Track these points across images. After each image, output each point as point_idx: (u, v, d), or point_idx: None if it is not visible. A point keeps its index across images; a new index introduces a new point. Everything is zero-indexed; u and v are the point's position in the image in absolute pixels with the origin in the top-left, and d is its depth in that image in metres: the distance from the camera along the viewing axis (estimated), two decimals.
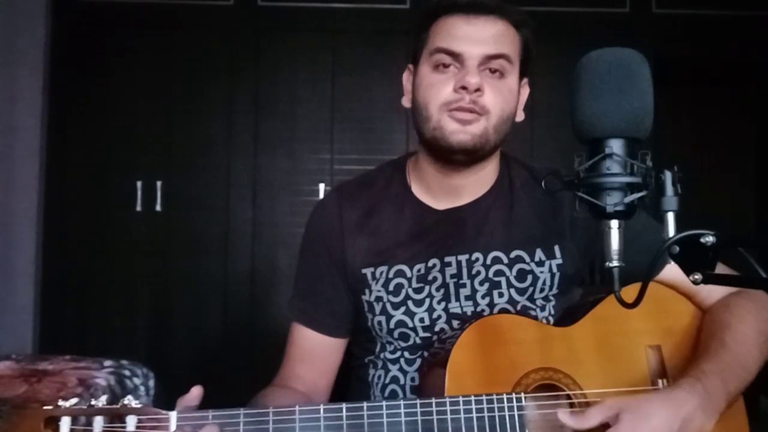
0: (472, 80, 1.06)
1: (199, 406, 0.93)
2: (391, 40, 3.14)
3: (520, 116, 1.18)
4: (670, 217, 0.68)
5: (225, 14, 3.28)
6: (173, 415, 0.88)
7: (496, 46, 1.09)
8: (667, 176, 0.68)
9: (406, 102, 1.19)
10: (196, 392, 0.93)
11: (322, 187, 3.22)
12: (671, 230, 0.67)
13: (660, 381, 1.06)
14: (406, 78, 1.20)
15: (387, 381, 1.17)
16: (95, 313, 3.16)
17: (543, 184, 1.17)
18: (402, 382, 1.16)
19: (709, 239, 0.66)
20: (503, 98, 1.10)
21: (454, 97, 1.08)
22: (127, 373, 2.01)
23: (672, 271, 1.04)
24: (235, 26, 3.28)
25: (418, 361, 1.16)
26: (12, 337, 3.03)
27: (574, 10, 3.32)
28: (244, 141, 3.25)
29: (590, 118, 0.70)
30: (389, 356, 1.18)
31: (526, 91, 1.19)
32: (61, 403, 0.87)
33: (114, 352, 2.37)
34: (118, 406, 0.87)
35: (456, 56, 1.09)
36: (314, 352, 1.20)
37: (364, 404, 0.92)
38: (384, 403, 0.92)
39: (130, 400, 0.88)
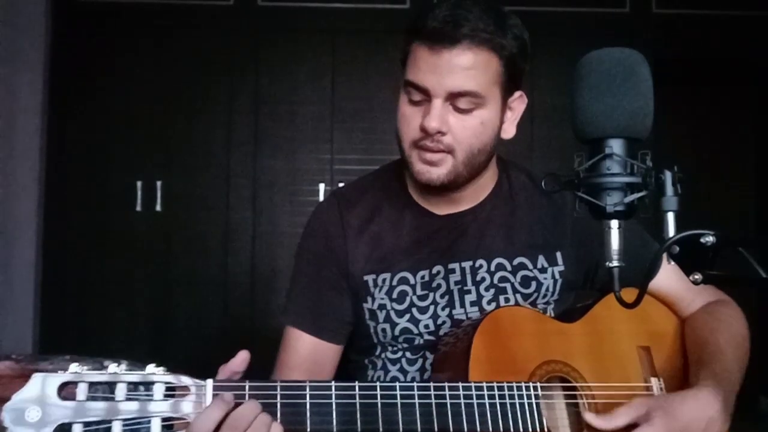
0: (431, 124, 1.04)
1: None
2: (391, 40, 3.13)
3: (509, 133, 1.14)
4: (670, 217, 0.68)
5: (225, 14, 3.28)
6: (209, 384, 0.80)
7: (462, 82, 1.03)
8: (667, 176, 0.68)
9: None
10: (242, 356, 0.85)
11: (322, 187, 3.22)
12: (671, 230, 0.67)
13: (652, 379, 1.09)
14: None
15: (387, 381, 1.16)
16: (95, 313, 3.16)
17: (543, 184, 1.17)
18: (402, 381, 1.15)
19: (709, 239, 0.66)
20: (471, 134, 1.07)
21: (420, 136, 1.07)
22: None
23: (656, 279, 1.05)
24: (235, 26, 3.28)
25: (420, 361, 1.15)
26: (12, 337, 3.03)
27: (574, 10, 3.32)
28: (244, 141, 3.25)
29: (590, 118, 0.70)
30: (390, 356, 1.17)
31: (520, 105, 1.14)
32: (76, 368, 0.76)
33: (114, 352, 2.36)
34: (144, 372, 0.78)
35: (423, 91, 1.06)
36: (311, 359, 1.17)
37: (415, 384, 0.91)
38: (415, 384, 0.91)
39: (156, 368, 0.79)
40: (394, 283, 1.15)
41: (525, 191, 1.21)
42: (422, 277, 1.15)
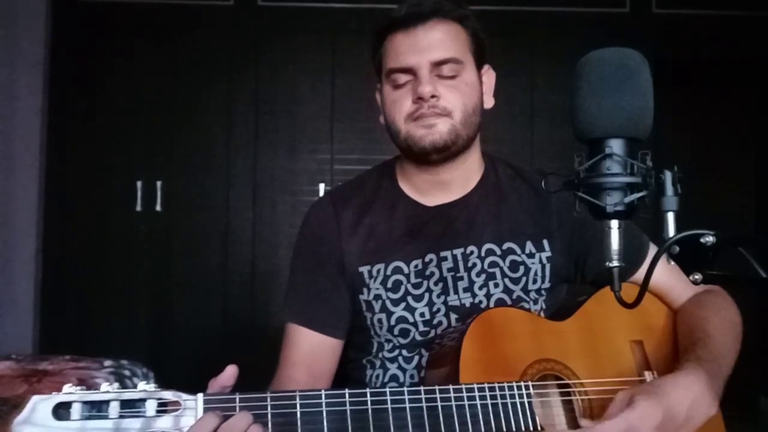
0: (425, 90, 1.11)
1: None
2: None
3: (489, 103, 1.22)
4: (670, 217, 0.68)
5: (225, 14, 3.28)
6: (200, 398, 0.82)
7: (441, 52, 1.13)
8: (667, 176, 0.68)
9: (381, 119, 1.23)
10: (230, 371, 0.87)
11: (322, 187, 3.22)
12: (671, 230, 0.67)
13: (646, 373, 1.09)
14: (378, 97, 1.25)
15: (386, 380, 1.18)
16: (95, 313, 3.16)
17: (543, 183, 1.18)
18: (402, 380, 1.18)
19: (709, 239, 0.66)
20: (462, 94, 1.14)
21: (414, 108, 1.13)
22: (127, 373, 2.01)
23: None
24: (235, 26, 3.28)
25: (416, 358, 1.17)
26: (12, 337, 3.03)
27: (574, 10, 3.32)
28: (244, 141, 3.25)
29: (590, 118, 0.70)
30: (387, 355, 1.19)
31: (491, 77, 1.23)
32: (70, 389, 0.78)
33: (114, 352, 2.37)
34: (136, 390, 0.80)
35: (407, 70, 1.14)
36: (312, 354, 1.19)
37: (405, 389, 0.91)
38: (405, 389, 0.91)
39: (146, 385, 0.80)
40: (389, 272, 1.17)
41: (511, 183, 1.25)
42: (416, 266, 1.18)
